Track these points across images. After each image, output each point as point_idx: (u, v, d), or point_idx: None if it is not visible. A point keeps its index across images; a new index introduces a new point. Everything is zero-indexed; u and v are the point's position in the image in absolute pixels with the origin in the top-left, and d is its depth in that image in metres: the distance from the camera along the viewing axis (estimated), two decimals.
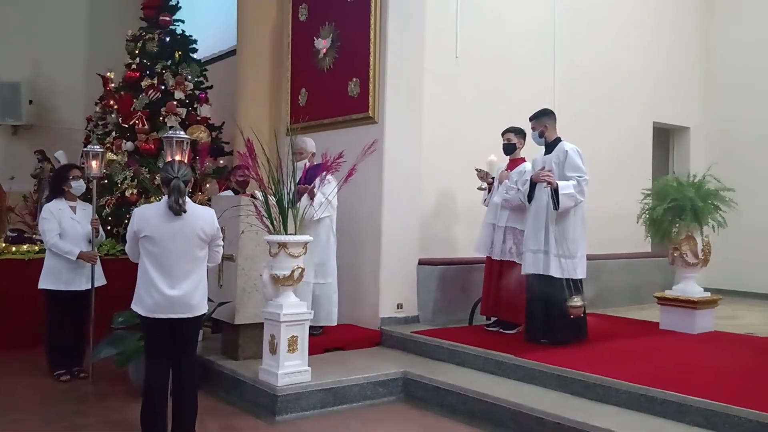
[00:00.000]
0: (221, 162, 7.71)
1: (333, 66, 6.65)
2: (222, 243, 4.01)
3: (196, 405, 3.89)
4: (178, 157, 4.88)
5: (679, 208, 6.04)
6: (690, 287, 6.17)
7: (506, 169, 6.03)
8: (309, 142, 5.87)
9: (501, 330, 5.91)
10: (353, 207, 6.03)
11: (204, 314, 3.89)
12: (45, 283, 5.27)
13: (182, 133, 5.24)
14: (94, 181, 5.48)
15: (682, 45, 9.37)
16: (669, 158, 9.78)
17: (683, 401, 3.90)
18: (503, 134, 6.04)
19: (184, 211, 3.71)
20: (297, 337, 4.64)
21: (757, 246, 8.55)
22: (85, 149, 5.60)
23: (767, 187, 8.49)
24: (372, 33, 6.20)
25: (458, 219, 6.82)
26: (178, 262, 3.72)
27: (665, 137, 9.67)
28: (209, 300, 4.07)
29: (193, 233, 3.76)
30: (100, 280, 5.44)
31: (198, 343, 4.09)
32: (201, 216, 3.83)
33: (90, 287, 5.31)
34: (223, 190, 6.62)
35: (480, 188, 6.21)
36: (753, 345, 5.62)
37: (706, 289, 6.23)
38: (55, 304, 5.30)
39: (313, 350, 4.89)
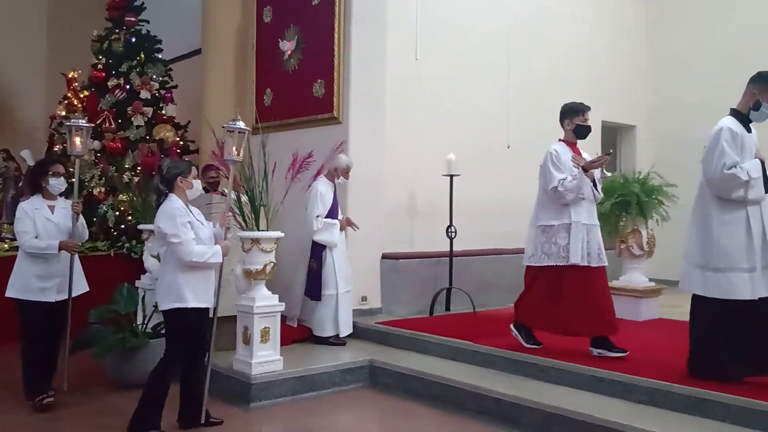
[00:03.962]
0: (186, 161, 7.82)
1: (298, 67, 6.85)
2: (175, 240, 3.84)
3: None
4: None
5: (625, 203, 6.46)
6: (635, 278, 6.60)
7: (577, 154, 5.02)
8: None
9: (608, 352, 4.77)
10: None
11: (167, 310, 3.93)
12: (12, 290, 4.62)
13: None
14: (77, 160, 5.09)
15: (629, 47, 9.85)
16: (617, 155, 10.27)
17: (629, 381, 4.26)
18: (587, 112, 5.08)
19: (157, 206, 3.93)
20: (269, 328, 4.87)
21: None
22: (68, 123, 5.15)
23: None
24: (336, 35, 6.42)
25: (418, 215, 7.12)
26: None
27: (613, 135, 10.15)
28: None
29: (156, 229, 3.96)
30: (81, 287, 4.90)
31: (174, 345, 4.04)
32: (159, 213, 3.98)
33: (66, 298, 4.75)
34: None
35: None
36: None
37: (650, 280, 6.67)
38: (28, 316, 4.63)
39: (282, 342, 5.09)
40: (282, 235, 5.02)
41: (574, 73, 8.87)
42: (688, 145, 9.35)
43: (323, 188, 5.87)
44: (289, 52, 6.93)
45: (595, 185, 4.90)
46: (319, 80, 6.60)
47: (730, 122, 4.14)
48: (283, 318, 5.53)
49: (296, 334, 5.89)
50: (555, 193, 4.83)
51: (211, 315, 4.22)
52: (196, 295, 3.95)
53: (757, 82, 4.16)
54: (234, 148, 4.35)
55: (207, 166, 6.48)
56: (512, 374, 4.90)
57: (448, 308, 6.79)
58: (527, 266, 5.12)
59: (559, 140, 5.13)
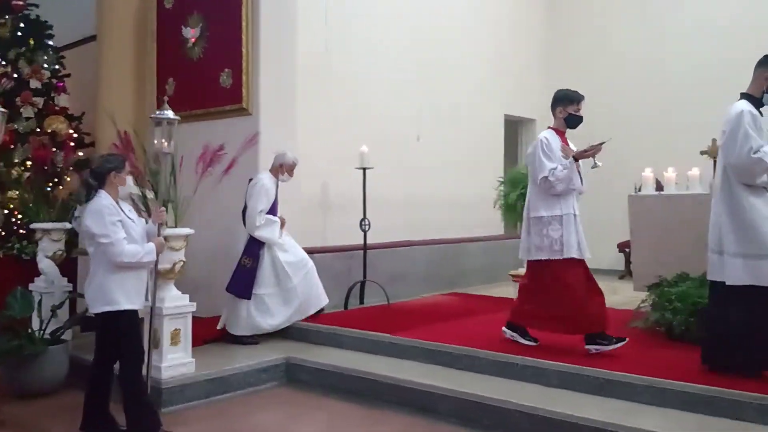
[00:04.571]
0: (80, 154, 7.36)
1: (203, 56, 6.60)
2: (105, 240, 3.68)
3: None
4: None
5: None
6: None
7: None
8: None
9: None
10: (231, 199, 6.06)
11: (100, 313, 3.77)
12: None
13: None
14: None
15: (529, 43, 10.22)
16: (519, 148, 10.64)
17: (540, 365, 4.42)
18: (581, 102, 4.92)
19: (80, 203, 3.77)
20: (180, 329, 4.68)
21: (595, 225, 9.53)
22: None
23: (604, 170, 9.42)
24: (244, 23, 6.24)
25: (332, 209, 7.07)
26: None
27: (514, 129, 10.50)
28: (82, 296, 4.01)
29: (83, 228, 3.75)
30: None
31: (129, 344, 3.86)
32: (86, 211, 3.77)
33: None
34: None
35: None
36: None
37: None
38: None
39: (193, 342, 4.91)
40: (192, 231, 4.84)
41: (478, 68, 9.10)
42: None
43: (269, 183, 5.74)
44: (193, 39, 6.66)
45: (580, 176, 4.73)
46: (226, 69, 6.39)
47: (747, 105, 3.97)
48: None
49: (208, 333, 5.69)
50: (545, 183, 4.61)
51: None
52: (129, 296, 3.77)
53: (767, 65, 4.05)
54: (163, 140, 4.13)
55: None
56: (428, 364, 4.96)
57: (362, 301, 6.80)
58: (534, 263, 4.79)
59: (549, 128, 4.86)
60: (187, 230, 4.69)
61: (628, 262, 8.82)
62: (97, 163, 3.94)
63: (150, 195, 4.67)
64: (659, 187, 6.64)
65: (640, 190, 6.47)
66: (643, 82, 9.55)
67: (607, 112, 9.82)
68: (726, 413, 3.64)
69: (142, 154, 4.52)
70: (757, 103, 4.05)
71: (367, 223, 6.74)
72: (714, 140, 5.88)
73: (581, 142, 4.97)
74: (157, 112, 4.20)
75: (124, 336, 3.81)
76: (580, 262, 4.65)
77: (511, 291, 7.10)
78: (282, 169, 5.83)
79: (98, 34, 7.31)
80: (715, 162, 5.86)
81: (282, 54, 6.43)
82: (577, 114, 4.80)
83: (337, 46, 7.14)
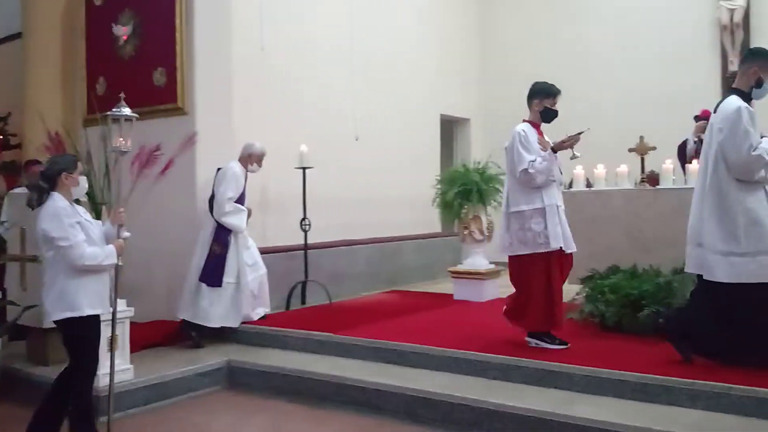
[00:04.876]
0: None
1: (135, 54, 6.40)
2: (65, 243, 3.53)
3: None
4: None
5: (467, 192, 6.84)
6: (478, 261, 7.02)
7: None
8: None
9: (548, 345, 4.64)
10: (168, 201, 5.92)
11: (60, 320, 3.63)
12: None
13: None
14: None
15: (463, 44, 10.42)
16: (453, 147, 10.83)
17: (483, 359, 4.53)
18: (557, 96, 4.79)
19: (32, 207, 3.57)
20: (117, 336, 4.52)
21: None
22: None
23: None
24: (178, 21, 6.09)
25: (271, 209, 7.00)
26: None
27: (450, 128, 10.68)
28: (12, 303, 3.84)
29: (39, 233, 3.60)
30: None
31: (86, 354, 3.73)
32: (41, 215, 3.62)
33: None
34: (14, 187, 6.10)
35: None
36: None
37: (490, 262, 7.12)
38: None
39: (131, 348, 4.78)
40: (128, 234, 4.68)
41: (414, 68, 9.21)
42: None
43: (239, 171, 5.73)
44: (124, 37, 6.45)
45: (559, 168, 4.71)
46: (159, 68, 6.22)
47: (742, 102, 3.94)
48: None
49: (147, 338, 5.53)
50: (525, 176, 4.54)
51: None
52: (91, 301, 3.64)
53: (756, 59, 4.04)
54: (121, 138, 3.99)
55: (31, 161, 5.89)
56: (374, 362, 4.99)
57: (304, 301, 6.77)
58: (511, 258, 4.74)
59: (524, 120, 4.82)
60: (124, 233, 4.54)
61: None
62: (47, 164, 3.79)
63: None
64: (589, 183, 6.89)
65: (571, 187, 6.70)
66: (573, 83, 9.84)
67: None
68: (659, 399, 3.82)
69: (75, 154, 4.36)
70: (746, 97, 4.04)
71: (307, 222, 6.72)
72: (641, 138, 6.15)
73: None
74: (114, 110, 4.05)
75: (82, 344, 3.67)
76: (564, 257, 4.59)
77: (449, 287, 7.23)
78: (251, 159, 5.85)
79: (24, 31, 7.01)
80: (642, 159, 6.16)
81: (217, 52, 6.32)
82: (553, 108, 4.75)
83: (274, 46, 7.08)
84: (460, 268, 7.10)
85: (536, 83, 4.81)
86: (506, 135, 10.24)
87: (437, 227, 9.37)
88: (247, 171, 5.86)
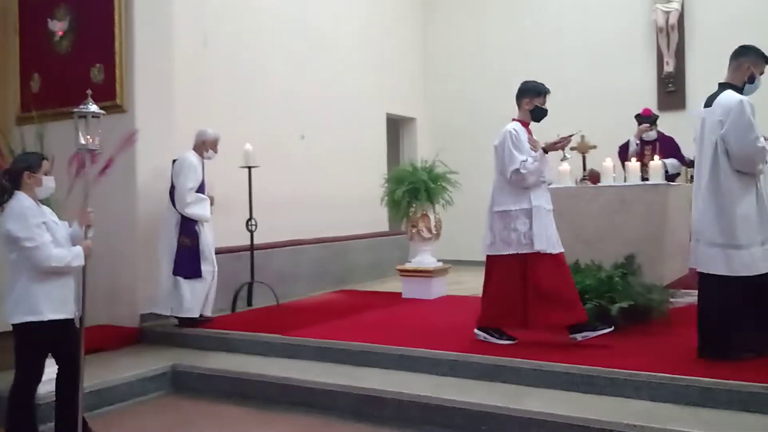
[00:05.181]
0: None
1: (72, 50, 6.19)
2: (30, 245, 3.43)
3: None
4: None
5: (415, 190, 6.88)
6: (426, 259, 7.07)
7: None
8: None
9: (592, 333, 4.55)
10: (108, 202, 5.72)
11: (20, 324, 3.51)
12: None
13: None
14: None
15: (408, 44, 10.47)
16: (400, 146, 10.88)
17: (433, 356, 4.55)
18: (547, 95, 4.76)
19: None
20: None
21: (475, 219, 9.92)
22: None
23: (480, 168, 9.87)
24: (116, 16, 5.92)
25: (216, 209, 6.78)
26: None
27: (396, 127, 10.72)
28: None
29: (3, 233, 3.47)
30: None
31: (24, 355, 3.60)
32: (5, 215, 3.48)
33: None
34: None
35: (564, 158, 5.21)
36: (475, 304, 6.57)
37: (438, 260, 7.18)
38: None
39: None
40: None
41: (359, 68, 9.19)
42: (461, 136, 10.33)
43: (195, 161, 5.69)
44: (60, 32, 6.22)
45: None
46: (97, 64, 6.04)
47: (741, 95, 3.96)
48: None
49: (88, 343, 5.30)
50: (516, 176, 4.48)
51: (77, 324, 3.77)
52: (53, 305, 3.51)
53: (748, 55, 4.06)
54: (88, 136, 3.85)
55: None
56: (322, 362, 4.95)
57: (250, 303, 6.67)
58: (487, 256, 4.72)
59: (514, 119, 4.74)
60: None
61: None
62: (11, 163, 3.68)
63: None
64: None
65: None
66: (514, 84, 10.01)
67: (486, 111, 10.28)
68: (605, 391, 3.91)
69: (9, 153, 4.18)
70: (738, 92, 4.05)
71: (253, 223, 6.62)
72: (583, 137, 6.30)
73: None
74: (81, 106, 3.89)
75: (37, 348, 3.56)
76: (553, 255, 4.53)
77: (398, 285, 7.25)
78: (205, 145, 5.83)
79: None
80: (584, 157, 6.31)
81: (158, 49, 6.16)
82: (544, 107, 4.70)
83: (218, 42, 6.96)
84: (408, 266, 7.13)
85: (525, 82, 4.79)
86: (452, 135, 10.45)
87: (385, 226, 9.39)
88: (203, 159, 5.83)
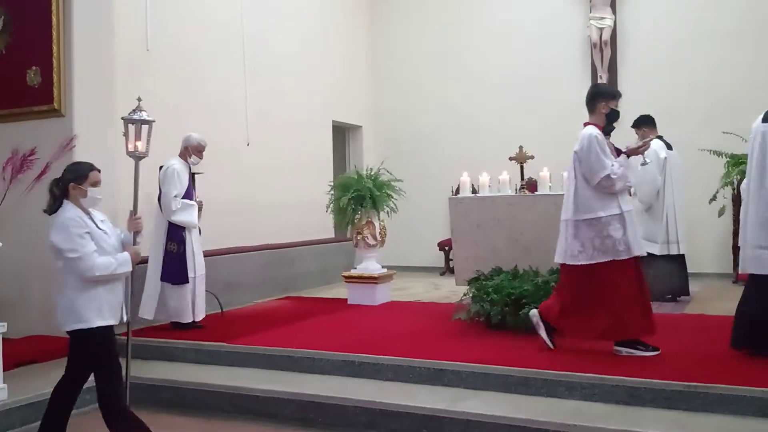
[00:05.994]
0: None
1: (6, 52, 6.00)
2: (73, 255, 3.43)
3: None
4: None
5: (360, 198, 6.95)
6: (371, 265, 7.15)
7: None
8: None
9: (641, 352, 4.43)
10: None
11: (71, 331, 3.52)
12: None
13: None
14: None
15: (354, 52, 10.56)
16: (346, 154, 10.94)
17: (377, 361, 4.62)
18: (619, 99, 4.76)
19: (48, 213, 3.51)
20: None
21: (418, 226, 10.11)
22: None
23: (426, 176, 10.08)
24: (54, 18, 5.78)
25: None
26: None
27: (342, 135, 10.79)
28: None
29: (49, 244, 3.48)
30: None
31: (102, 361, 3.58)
32: (52, 225, 3.49)
33: None
34: None
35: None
36: (419, 309, 6.77)
37: (383, 267, 7.27)
38: None
39: (5, 367, 4.47)
40: (0, 244, 4.40)
41: (305, 74, 9.22)
42: (408, 143, 10.49)
43: (179, 167, 5.66)
44: None
45: None
46: (33, 67, 5.88)
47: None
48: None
49: (22, 355, 5.19)
50: (607, 181, 4.33)
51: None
52: (101, 312, 3.51)
53: None
54: (138, 143, 3.90)
55: None
56: (268, 369, 4.96)
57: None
58: (573, 266, 4.46)
59: (590, 124, 4.58)
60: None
61: (448, 259, 9.45)
62: (63, 172, 3.70)
63: None
64: (474, 190, 7.20)
65: (458, 193, 6.97)
66: (456, 94, 10.32)
67: (428, 121, 10.48)
68: (540, 391, 4.07)
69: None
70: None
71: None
72: (521, 147, 6.50)
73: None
74: (131, 112, 4.02)
75: (95, 355, 3.57)
76: (636, 261, 4.45)
77: (344, 291, 7.30)
78: (188, 151, 5.82)
79: None
80: (522, 167, 6.51)
81: (99, 52, 6.04)
82: (617, 109, 4.62)
83: (161, 46, 6.87)
84: (353, 272, 7.19)
85: (598, 85, 4.75)
86: (397, 142, 10.56)
87: (331, 233, 9.43)
88: (189, 164, 5.85)
